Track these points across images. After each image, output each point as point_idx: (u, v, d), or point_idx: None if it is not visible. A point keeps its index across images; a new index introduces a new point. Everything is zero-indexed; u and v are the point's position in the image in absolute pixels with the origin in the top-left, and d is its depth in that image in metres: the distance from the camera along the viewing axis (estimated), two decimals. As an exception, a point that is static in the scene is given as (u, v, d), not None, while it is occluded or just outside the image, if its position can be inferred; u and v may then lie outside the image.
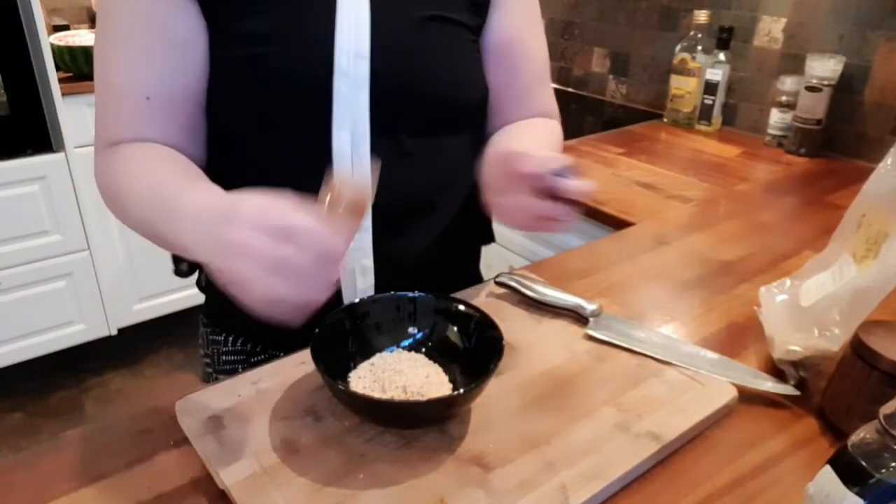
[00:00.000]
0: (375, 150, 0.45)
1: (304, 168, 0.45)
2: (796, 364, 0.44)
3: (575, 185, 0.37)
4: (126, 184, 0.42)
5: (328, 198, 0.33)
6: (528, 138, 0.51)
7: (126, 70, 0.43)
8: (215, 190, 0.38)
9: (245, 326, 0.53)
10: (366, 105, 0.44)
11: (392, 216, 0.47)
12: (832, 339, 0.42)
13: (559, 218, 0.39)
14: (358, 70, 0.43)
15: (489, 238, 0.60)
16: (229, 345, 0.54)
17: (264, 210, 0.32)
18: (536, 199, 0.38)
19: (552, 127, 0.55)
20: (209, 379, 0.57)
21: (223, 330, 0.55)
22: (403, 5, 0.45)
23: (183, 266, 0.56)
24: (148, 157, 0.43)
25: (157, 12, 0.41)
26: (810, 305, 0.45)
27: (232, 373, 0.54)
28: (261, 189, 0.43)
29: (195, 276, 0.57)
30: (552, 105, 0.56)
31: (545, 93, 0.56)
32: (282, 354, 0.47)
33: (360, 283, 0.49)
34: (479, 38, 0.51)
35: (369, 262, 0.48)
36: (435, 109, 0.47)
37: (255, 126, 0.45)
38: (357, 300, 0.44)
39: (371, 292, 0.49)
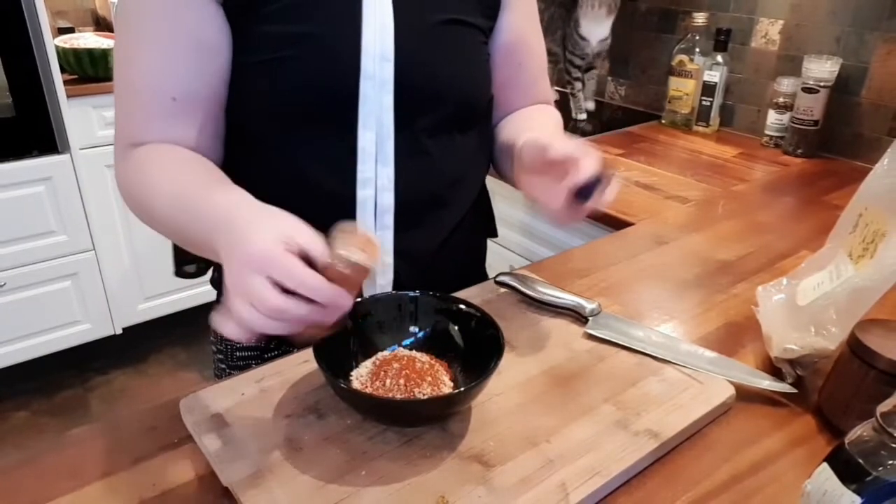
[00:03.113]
0: (396, 148, 0.46)
1: (328, 168, 0.46)
2: (793, 362, 0.45)
3: (602, 199, 0.40)
4: (151, 185, 0.42)
5: (339, 243, 0.33)
6: (539, 126, 0.54)
7: (152, 71, 0.43)
8: (235, 199, 0.38)
9: None
10: (390, 106, 0.45)
11: (410, 213, 0.48)
12: (829, 338, 0.42)
13: (577, 217, 0.42)
14: (383, 72, 0.44)
15: (493, 232, 0.61)
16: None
17: (272, 259, 0.31)
18: (564, 195, 0.40)
19: (552, 112, 0.58)
20: (222, 375, 0.57)
21: None
22: (424, 10, 0.46)
23: (190, 268, 0.56)
24: (172, 159, 0.43)
25: (184, 15, 0.42)
26: (807, 304, 0.46)
27: (246, 368, 0.54)
28: (282, 194, 0.43)
29: (197, 275, 0.58)
30: (550, 94, 0.60)
31: (544, 84, 0.59)
32: (295, 350, 0.47)
33: (380, 279, 0.49)
34: (489, 39, 0.52)
35: (390, 258, 0.49)
36: (452, 109, 0.49)
37: (281, 127, 0.45)
38: (358, 300, 0.44)
39: (390, 289, 0.50)
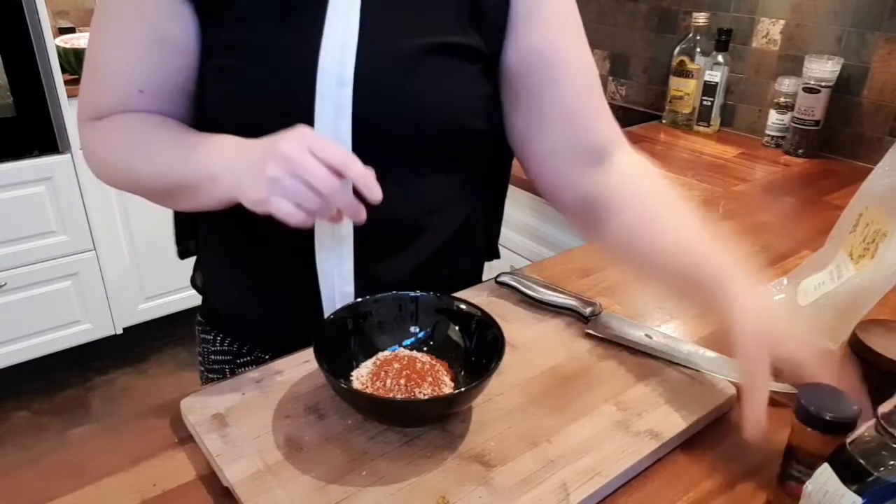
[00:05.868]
0: None
1: None
2: None
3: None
4: (132, 139, 0.43)
5: None
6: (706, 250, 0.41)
7: (119, 61, 0.43)
8: (230, 138, 0.41)
9: (232, 326, 0.54)
10: (347, 132, 0.42)
11: (374, 242, 0.46)
12: (831, 338, 0.42)
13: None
14: (339, 97, 0.41)
15: (492, 255, 0.59)
16: (217, 344, 0.54)
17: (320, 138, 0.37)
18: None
19: (659, 183, 0.46)
20: (203, 379, 0.57)
21: (213, 329, 0.55)
22: (397, 32, 0.42)
23: (191, 245, 0.55)
24: (153, 117, 0.44)
25: (146, 8, 0.42)
26: (808, 304, 0.46)
27: (220, 373, 0.54)
28: (238, 214, 0.42)
29: (182, 256, 0.56)
30: (615, 129, 0.48)
31: (601, 113, 0.48)
32: (267, 357, 0.48)
33: (339, 305, 0.47)
34: (495, 59, 0.46)
35: (350, 288, 0.47)
36: (423, 140, 0.45)
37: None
38: (359, 300, 0.44)
39: None
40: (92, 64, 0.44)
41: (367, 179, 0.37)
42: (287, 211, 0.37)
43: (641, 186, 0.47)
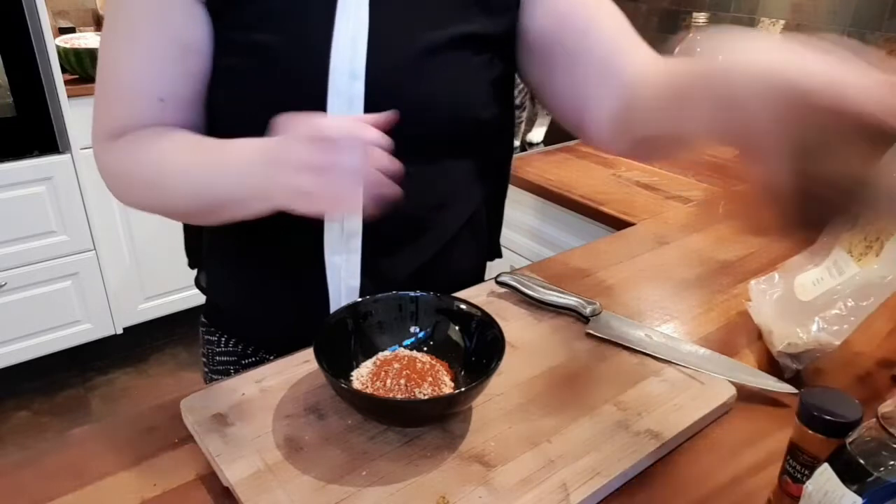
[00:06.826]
0: None
1: None
2: (793, 357, 0.45)
3: None
4: (158, 157, 0.42)
5: None
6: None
7: (139, 71, 0.43)
8: (252, 139, 0.40)
9: (237, 327, 0.54)
10: None
11: (383, 236, 0.47)
12: (835, 333, 0.42)
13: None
14: (352, 90, 0.42)
15: (495, 254, 0.59)
16: (222, 345, 0.54)
17: (308, 129, 0.36)
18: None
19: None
20: (207, 379, 0.57)
21: (217, 330, 0.55)
22: (406, 25, 0.43)
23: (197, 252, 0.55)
24: (171, 134, 0.43)
25: (170, 16, 0.41)
26: (811, 300, 0.46)
27: (225, 373, 0.54)
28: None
29: (192, 266, 0.57)
30: (650, 56, 0.45)
31: (637, 46, 0.45)
32: (272, 357, 0.47)
33: (345, 302, 0.48)
34: (505, 40, 0.47)
35: (356, 282, 0.47)
36: (434, 132, 0.45)
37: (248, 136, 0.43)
38: (359, 300, 0.44)
39: None
40: (106, 79, 0.43)
41: (380, 138, 0.36)
42: (350, 199, 0.35)
43: (655, 72, 0.41)
